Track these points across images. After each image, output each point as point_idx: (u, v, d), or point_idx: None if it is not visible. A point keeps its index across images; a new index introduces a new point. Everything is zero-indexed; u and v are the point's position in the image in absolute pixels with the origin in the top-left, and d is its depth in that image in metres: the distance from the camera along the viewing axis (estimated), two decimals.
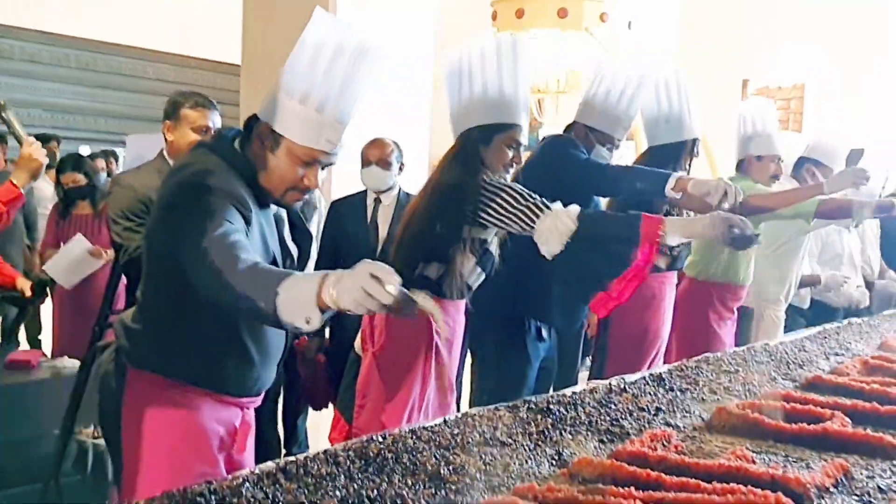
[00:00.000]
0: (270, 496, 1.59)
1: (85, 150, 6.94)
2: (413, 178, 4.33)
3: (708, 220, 2.65)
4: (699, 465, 1.84)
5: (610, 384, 2.65)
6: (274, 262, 2.20)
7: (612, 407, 2.39)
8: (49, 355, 4.89)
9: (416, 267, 2.86)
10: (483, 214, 2.76)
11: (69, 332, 5.16)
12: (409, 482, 1.73)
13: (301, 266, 2.37)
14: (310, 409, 4.46)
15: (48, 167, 3.55)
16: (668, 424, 2.28)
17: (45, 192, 6.65)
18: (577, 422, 2.24)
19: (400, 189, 4.15)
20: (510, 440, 2.04)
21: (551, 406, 2.34)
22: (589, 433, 2.17)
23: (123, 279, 3.81)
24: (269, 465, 1.77)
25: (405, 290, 1.70)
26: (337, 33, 2.06)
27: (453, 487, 1.73)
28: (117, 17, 11.76)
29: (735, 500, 1.60)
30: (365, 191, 4.16)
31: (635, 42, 9.42)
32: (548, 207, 2.71)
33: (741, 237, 2.60)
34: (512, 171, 2.93)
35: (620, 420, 2.28)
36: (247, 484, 1.63)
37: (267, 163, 2.12)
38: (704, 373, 2.87)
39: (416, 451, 1.90)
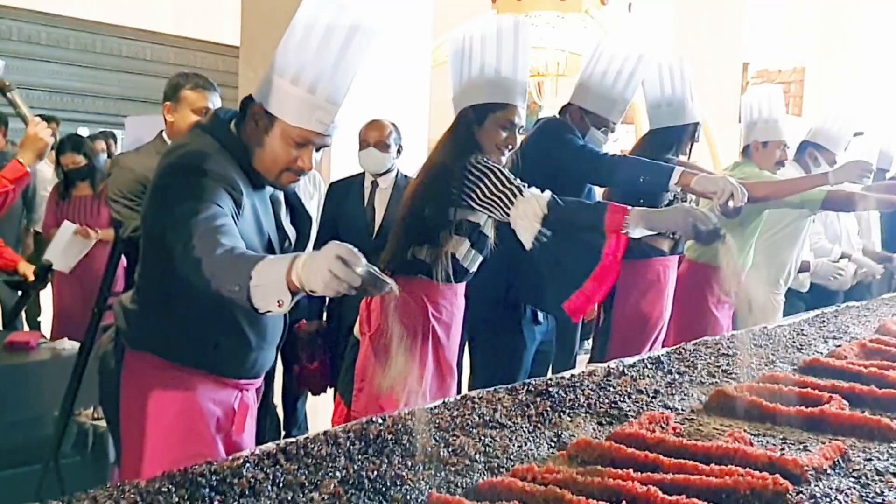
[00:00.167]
0: (271, 476, 1.59)
1: (83, 132, 6.92)
2: (412, 160, 4.32)
3: (671, 213, 2.60)
4: (697, 447, 1.84)
5: (608, 367, 2.66)
6: (269, 245, 2.19)
7: (611, 389, 2.41)
8: (48, 337, 4.90)
9: (409, 249, 2.85)
10: (466, 197, 2.74)
11: (69, 314, 5.18)
12: (409, 463, 1.73)
13: (300, 249, 2.37)
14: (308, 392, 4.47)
15: None
16: (666, 407, 2.29)
17: (46, 173, 6.64)
18: (576, 404, 2.25)
19: (398, 172, 4.13)
20: (509, 422, 2.05)
21: (550, 388, 2.35)
22: (588, 415, 2.18)
23: (123, 261, 3.82)
24: (270, 445, 1.78)
25: (373, 271, 1.69)
26: (329, 13, 2.05)
27: (453, 469, 1.74)
28: None
29: (732, 482, 1.61)
30: (363, 173, 4.14)
31: (636, 24, 9.39)
32: (521, 193, 2.66)
33: (706, 232, 2.51)
34: (508, 152, 2.87)
35: (619, 402, 2.29)
36: (247, 464, 1.64)
37: (261, 144, 2.11)
38: (703, 356, 2.88)
39: (416, 432, 1.91)
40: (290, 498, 1.52)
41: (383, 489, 1.60)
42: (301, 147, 2.09)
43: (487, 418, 2.07)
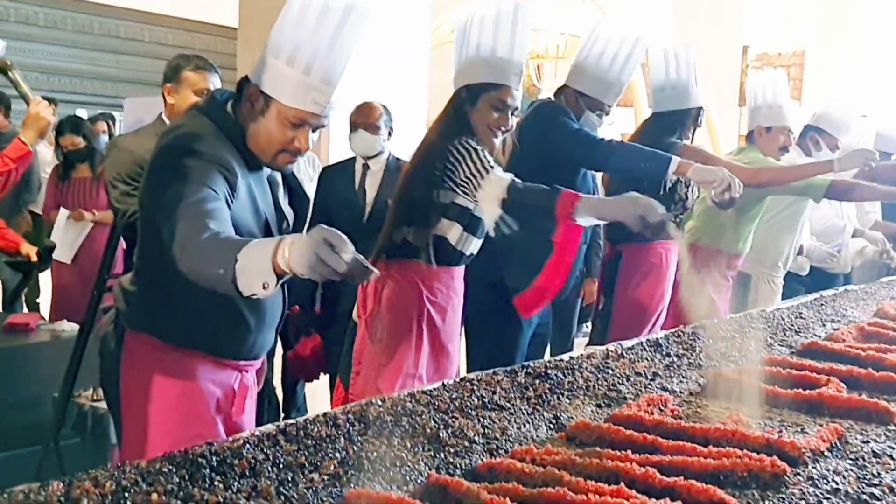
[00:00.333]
0: (271, 457, 1.60)
1: (82, 114, 6.89)
2: (410, 142, 4.31)
3: (619, 202, 2.52)
4: (695, 429, 1.85)
5: (607, 350, 2.67)
6: (266, 226, 2.19)
7: (610, 372, 2.41)
8: (47, 319, 4.91)
9: (402, 232, 2.84)
10: (446, 179, 2.72)
11: (68, 296, 5.18)
12: (409, 445, 1.74)
13: (297, 230, 2.37)
14: None
15: None
16: (664, 389, 2.30)
17: (45, 155, 6.62)
18: (575, 386, 2.25)
19: (390, 154, 4.09)
20: (508, 404, 2.06)
21: (549, 371, 2.36)
22: (586, 397, 2.19)
23: (122, 243, 3.82)
24: (270, 427, 1.79)
25: (359, 258, 1.69)
26: None
27: (452, 450, 1.74)
28: None
29: (730, 464, 1.62)
30: (355, 157, 4.11)
31: (635, 7, 9.36)
32: (488, 174, 2.64)
33: (653, 223, 2.42)
34: (501, 134, 2.84)
35: (617, 385, 2.30)
36: (247, 445, 1.64)
37: (257, 125, 2.11)
38: (701, 339, 2.88)
39: (416, 414, 1.92)
40: (290, 478, 1.53)
41: (383, 470, 1.61)
42: (297, 128, 2.09)
43: (486, 400, 2.07)
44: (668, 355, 2.66)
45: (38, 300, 6.96)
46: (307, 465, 1.59)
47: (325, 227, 1.68)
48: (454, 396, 2.08)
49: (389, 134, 4.08)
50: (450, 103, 2.87)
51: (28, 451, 3.83)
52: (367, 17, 2.09)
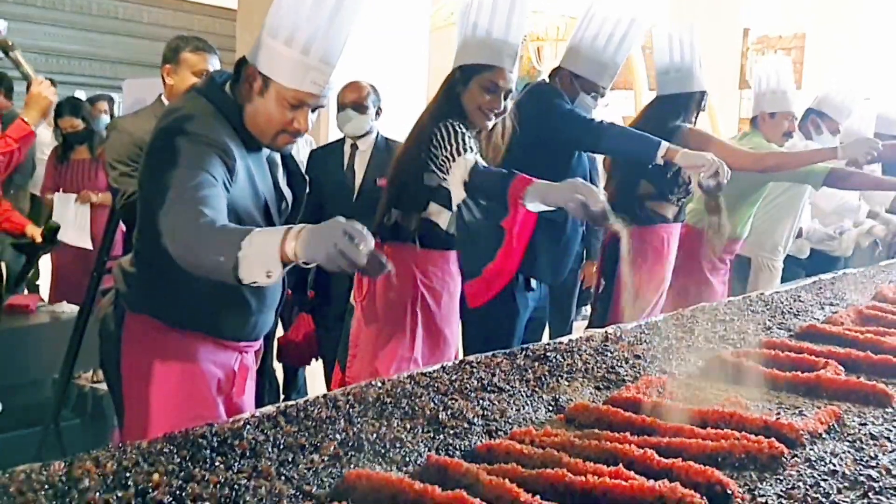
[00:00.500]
0: (271, 438, 1.61)
1: (80, 95, 6.87)
2: (408, 125, 4.30)
3: (562, 188, 2.42)
4: (694, 412, 1.86)
5: (606, 332, 2.68)
6: (266, 207, 2.20)
7: (609, 355, 2.42)
8: (47, 300, 4.91)
9: (393, 215, 2.83)
10: (430, 161, 2.70)
11: (67, 278, 5.18)
12: (408, 426, 1.75)
13: (295, 210, 2.37)
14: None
15: None
16: (663, 372, 2.31)
17: (44, 136, 6.61)
18: (574, 369, 2.26)
19: (378, 134, 4.08)
20: (507, 386, 2.07)
21: (548, 353, 2.36)
22: (585, 380, 2.19)
23: (122, 225, 3.82)
24: (270, 408, 1.79)
25: (376, 253, 1.70)
26: None
27: (451, 432, 1.75)
28: None
29: (728, 446, 1.63)
30: (344, 138, 4.11)
31: None
32: (458, 156, 2.61)
33: (596, 212, 2.34)
34: (494, 116, 2.82)
35: (616, 367, 2.30)
36: (248, 426, 1.65)
37: (256, 106, 2.10)
38: (700, 322, 2.89)
39: (415, 396, 1.92)
40: (290, 459, 1.54)
41: (382, 451, 1.62)
42: (296, 108, 2.09)
43: (486, 382, 2.08)
44: (667, 338, 2.66)
45: (37, 282, 6.97)
46: (307, 445, 1.60)
47: (343, 219, 1.69)
48: (453, 378, 2.08)
49: (377, 113, 4.07)
50: (444, 84, 2.86)
51: (28, 432, 3.85)
52: None
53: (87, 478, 1.37)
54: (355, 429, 1.70)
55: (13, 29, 3.07)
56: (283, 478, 1.46)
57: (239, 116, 2.11)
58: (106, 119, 6.60)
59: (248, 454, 1.54)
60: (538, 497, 1.35)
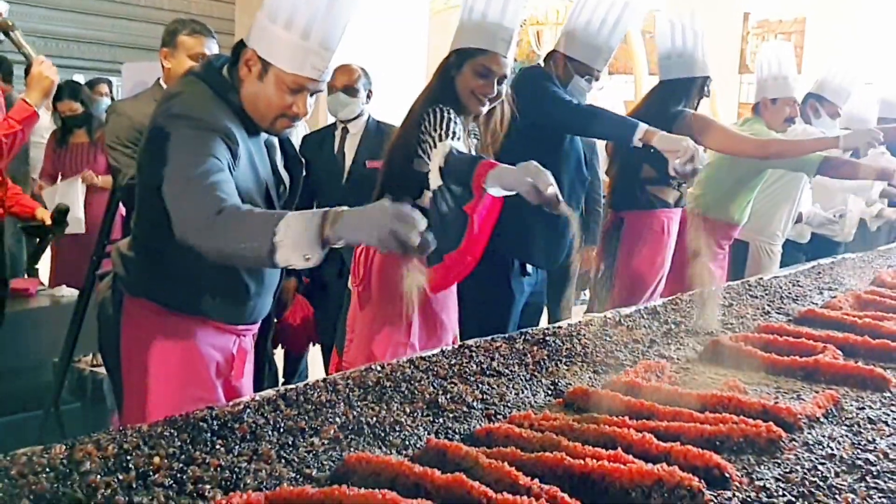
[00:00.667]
0: (271, 422, 1.61)
1: (79, 79, 6.84)
2: (407, 108, 4.29)
3: (517, 171, 2.35)
4: (692, 396, 1.87)
5: (605, 317, 2.68)
6: (266, 191, 2.20)
7: (608, 339, 2.43)
8: (47, 284, 4.91)
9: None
10: (419, 146, 2.67)
11: (67, 262, 5.18)
12: (408, 410, 1.75)
13: (293, 194, 2.37)
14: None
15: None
16: (661, 356, 2.31)
17: (42, 120, 6.59)
18: (573, 353, 2.27)
19: (369, 117, 4.07)
20: (507, 370, 2.08)
21: (547, 338, 2.37)
22: (584, 364, 2.20)
23: (121, 209, 3.82)
24: (270, 392, 1.80)
25: (425, 232, 1.72)
26: None
27: (451, 415, 1.76)
28: None
29: (727, 430, 1.63)
30: (335, 123, 4.09)
31: None
32: (439, 141, 2.59)
33: (548, 196, 2.26)
34: (487, 101, 2.78)
35: (615, 352, 2.31)
36: (248, 410, 1.66)
37: (255, 90, 2.10)
38: (698, 307, 2.89)
39: (415, 380, 1.93)
40: (290, 442, 1.54)
41: (382, 435, 1.63)
42: (295, 93, 2.08)
43: (485, 367, 2.09)
44: (666, 322, 2.67)
45: (36, 266, 6.96)
46: (307, 429, 1.61)
47: (389, 201, 1.73)
48: (453, 363, 2.09)
49: (368, 96, 4.06)
50: (439, 68, 2.84)
51: (29, 416, 3.86)
52: None
53: (88, 461, 1.38)
54: (355, 412, 1.71)
55: (11, 12, 3.05)
56: (283, 461, 1.47)
57: (238, 101, 2.11)
58: (107, 102, 6.57)
59: (248, 437, 1.55)
60: (537, 480, 1.35)
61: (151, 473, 1.36)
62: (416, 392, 1.86)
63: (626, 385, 1.94)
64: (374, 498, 1.25)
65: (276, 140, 2.31)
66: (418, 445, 1.60)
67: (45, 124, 6.37)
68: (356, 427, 1.64)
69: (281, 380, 4.43)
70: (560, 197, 2.27)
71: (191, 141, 1.96)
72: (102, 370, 3.52)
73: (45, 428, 3.70)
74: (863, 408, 1.91)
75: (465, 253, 2.62)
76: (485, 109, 2.80)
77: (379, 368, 2.00)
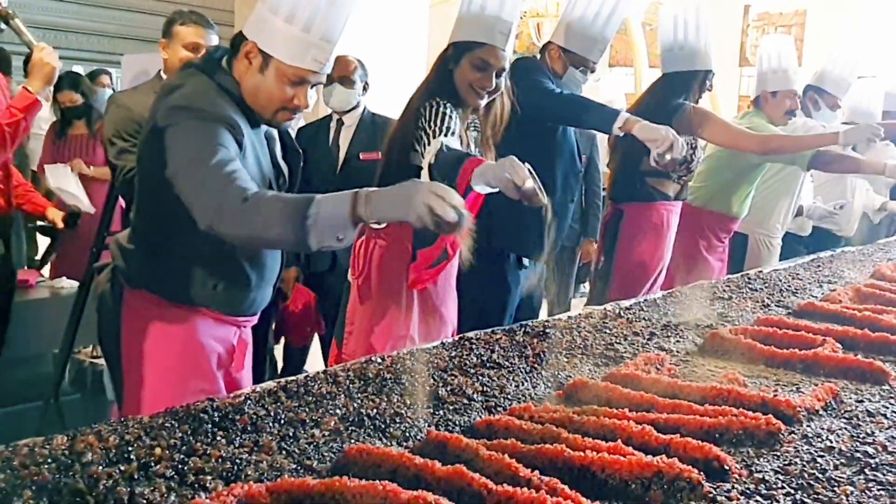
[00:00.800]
0: (272, 413, 1.62)
1: (79, 70, 6.82)
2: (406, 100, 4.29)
3: (496, 166, 2.29)
4: (691, 388, 1.87)
5: (605, 309, 2.69)
6: (268, 183, 2.20)
7: (608, 331, 2.43)
8: (46, 276, 4.91)
9: None
10: (415, 140, 2.67)
11: (67, 253, 5.18)
12: (408, 402, 1.76)
13: (291, 185, 2.37)
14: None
15: None
16: (661, 349, 2.32)
17: (41, 111, 6.57)
18: (573, 345, 2.27)
19: (365, 109, 4.07)
20: (507, 363, 2.08)
21: (548, 330, 2.37)
22: (584, 356, 2.20)
23: (121, 201, 3.82)
24: (270, 383, 1.80)
25: (464, 210, 1.77)
26: None
27: (451, 407, 1.76)
28: None
29: (726, 422, 1.64)
30: (330, 115, 4.09)
31: None
32: (434, 138, 2.58)
33: (525, 191, 2.20)
34: (485, 94, 2.78)
35: (615, 344, 2.31)
36: (249, 401, 1.66)
37: (256, 82, 2.10)
38: (698, 299, 2.90)
39: (415, 372, 1.93)
40: (291, 434, 1.55)
41: (383, 426, 1.63)
42: (296, 85, 2.09)
43: (485, 359, 2.09)
44: (666, 315, 2.67)
45: (36, 257, 6.96)
46: (308, 421, 1.61)
47: (419, 180, 1.82)
48: (453, 355, 2.10)
49: (365, 88, 4.05)
50: (437, 61, 2.84)
51: (30, 407, 3.87)
52: None
53: (89, 451, 1.38)
54: (355, 404, 1.71)
55: (10, 3, 3.03)
56: (284, 452, 1.48)
57: (239, 92, 2.11)
58: (108, 93, 6.56)
59: (249, 429, 1.55)
60: (537, 472, 1.35)
61: (153, 464, 1.37)
62: (417, 384, 1.86)
63: (625, 377, 1.95)
64: (375, 489, 1.25)
65: (274, 132, 2.32)
66: (419, 437, 1.60)
67: (45, 115, 6.36)
68: (357, 419, 1.64)
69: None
70: (539, 189, 2.22)
71: (199, 132, 1.96)
72: (102, 362, 3.53)
73: (46, 419, 3.71)
74: (862, 401, 1.92)
75: (439, 249, 2.62)
76: (483, 102, 2.80)
77: (379, 360, 2.01)
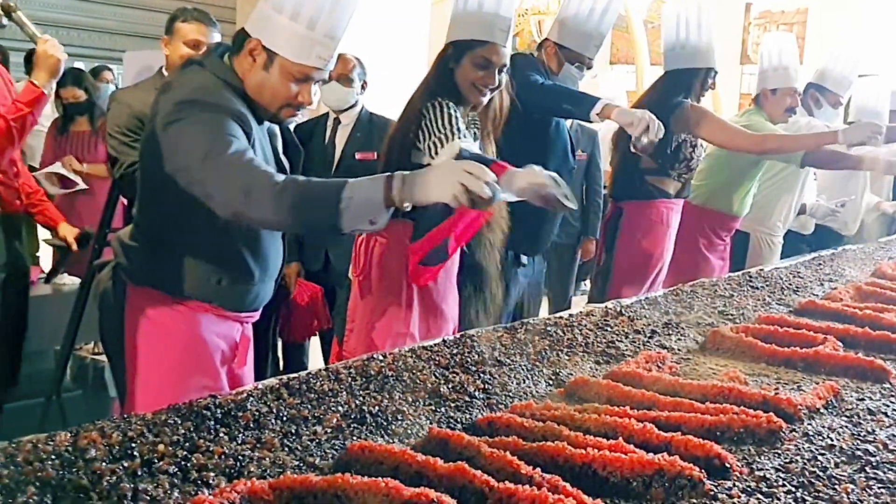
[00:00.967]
0: (274, 410, 1.62)
1: (80, 67, 6.82)
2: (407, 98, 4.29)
3: (522, 174, 2.26)
4: (693, 386, 1.87)
5: (606, 307, 2.69)
6: None
7: (609, 329, 2.43)
8: (47, 272, 4.91)
9: None
10: (419, 140, 2.67)
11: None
12: (410, 399, 1.76)
13: None
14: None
15: None
16: (662, 347, 2.32)
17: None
18: (574, 343, 2.27)
19: (363, 108, 4.05)
20: (508, 360, 2.08)
21: (549, 328, 2.37)
22: (585, 354, 2.21)
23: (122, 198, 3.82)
24: (273, 380, 1.81)
25: (496, 187, 1.82)
26: None
27: (453, 405, 1.77)
28: None
29: (727, 420, 1.64)
30: (327, 113, 4.08)
31: None
32: (451, 139, 2.58)
33: (547, 195, 2.20)
34: (488, 92, 2.79)
35: (616, 342, 2.32)
36: (251, 398, 1.66)
37: (260, 79, 2.10)
38: (699, 297, 2.91)
39: (416, 369, 1.94)
40: (293, 431, 1.55)
41: (385, 423, 1.63)
42: (301, 82, 2.10)
43: (486, 356, 2.09)
44: (667, 313, 2.68)
45: (37, 254, 6.96)
46: (310, 417, 1.61)
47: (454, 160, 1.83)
48: (455, 352, 2.10)
49: (363, 87, 4.04)
50: (436, 61, 2.83)
51: (31, 403, 3.87)
52: None
53: (92, 448, 1.38)
54: (357, 401, 1.71)
55: None
56: (286, 449, 1.48)
57: (242, 89, 2.12)
58: (111, 89, 6.56)
59: (251, 426, 1.55)
60: (538, 470, 1.36)
61: (156, 461, 1.37)
62: (419, 381, 1.86)
63: (627, 375, 1.95)
64: (377, 486, 1.25)
65: (276, 128, 2.33)
66: (420, 434, 1.60)
67: (46, 112, 6.36)
68: (359, 416, 1.65)
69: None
70: (568, 195, 2.24)
71: (211, 124, 1.97)
72: (103, 358, 3.52)
73: (47, 415, 3.71)
74: (863, 399, 1.92)
75: (431, 242, 2.62)
76: (485, 100, 2.80)
77: (381, 357, 2.01)
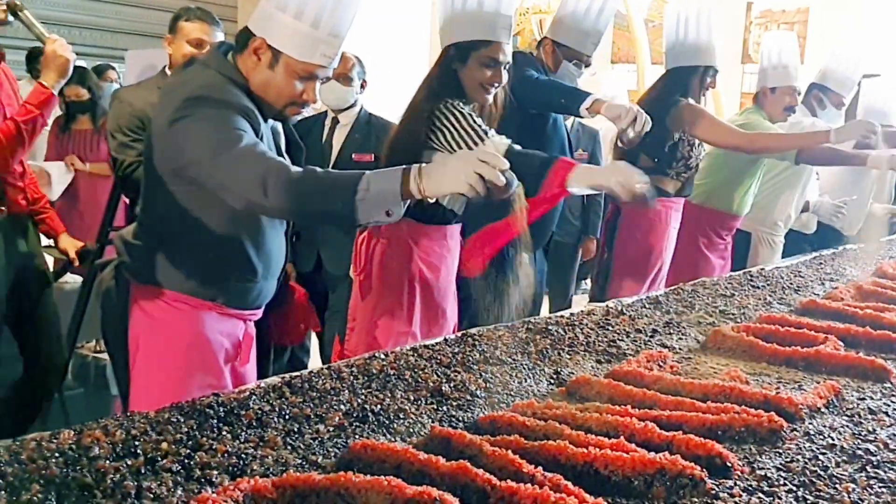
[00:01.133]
0: (277, 409, 1.62)
1: (83, 65, 6.82)
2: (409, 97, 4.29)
3: (604, 171, 2.37)
4: (694, 385, 1.88)
5: (607, 306, 2.69)
6: None
7: (610, 328, 2.44)
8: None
9: None
10: (432, 140, 2.67)
11: None
12: (412, 398, 1.77)
13: None
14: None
15: None
16: (663, 346, 2.32)
17: None
18: (575, 342, 2.28)
19: (362, 108, 4.04)
20: (510, 359, 2.08)
21: (550, 327, 2.38)
22: (587, 353, 2.21)
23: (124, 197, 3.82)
24: (275, 379, 1.81)
25: (510, 175, 1.83)
26: None
27: (454, 404, 1.77)
28: None
29: (728, 419, 1.65)
30: (326, 111, 4.07)
31: None
32: (486, 136, 2.61)
33: (634, 192, 2.25)
34: (494, 90, 2.80)
35: (617, 341, 2.32)
36: (254, 397, 1.67)
37: (265, 78, 2.11)
38: (700, 296, 2.91)
39: (418, 368, 1.94)
40: (296, 429, 1.55)
41: (387, 422, 1.64)
42: (305, 80, 2.11)
43: (488, 355, 2.10)
44: (668, 312, 2.68)
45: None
46: (313, 416, 1.62)
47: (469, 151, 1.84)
48: (456, 351, 2.10)
49: (362, 86, 4.03)
50: (437, 63, 2.82)
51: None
52: None
53: (96, 446, 1.39)
54: (359, 399, 1.72)
55: None
56: (289, 447, 1.48)
57: (246, 86, 2.12)
58: (115, 87, 6.56)
59: (254, 424, 1.56)
60: (540, 468, 1.36)
61: (159, 459, 1.37)
62: (420, 380, 1.87)
63: (628, 374, 1.96)
64: (380, 484, 1.26)
65: (279, 126, 2.34)
66: (422, 433, 1.61)
67: None
68: (361, 414, 1.65)
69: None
70: (651, 188, 2.28)
71: (220, 119, 1.98)
72: (105, 357, 3.53)
73: (49, 413, 3.72)
74: (863, 398, 1.92)
75: (506, 227, 2.62)
76: (490, 98, 2.81)
77: (383, 356, 2.01)
